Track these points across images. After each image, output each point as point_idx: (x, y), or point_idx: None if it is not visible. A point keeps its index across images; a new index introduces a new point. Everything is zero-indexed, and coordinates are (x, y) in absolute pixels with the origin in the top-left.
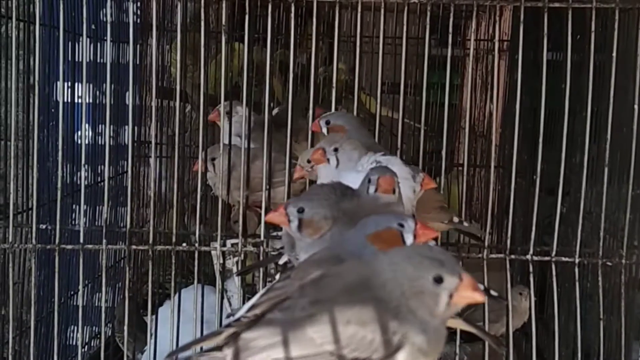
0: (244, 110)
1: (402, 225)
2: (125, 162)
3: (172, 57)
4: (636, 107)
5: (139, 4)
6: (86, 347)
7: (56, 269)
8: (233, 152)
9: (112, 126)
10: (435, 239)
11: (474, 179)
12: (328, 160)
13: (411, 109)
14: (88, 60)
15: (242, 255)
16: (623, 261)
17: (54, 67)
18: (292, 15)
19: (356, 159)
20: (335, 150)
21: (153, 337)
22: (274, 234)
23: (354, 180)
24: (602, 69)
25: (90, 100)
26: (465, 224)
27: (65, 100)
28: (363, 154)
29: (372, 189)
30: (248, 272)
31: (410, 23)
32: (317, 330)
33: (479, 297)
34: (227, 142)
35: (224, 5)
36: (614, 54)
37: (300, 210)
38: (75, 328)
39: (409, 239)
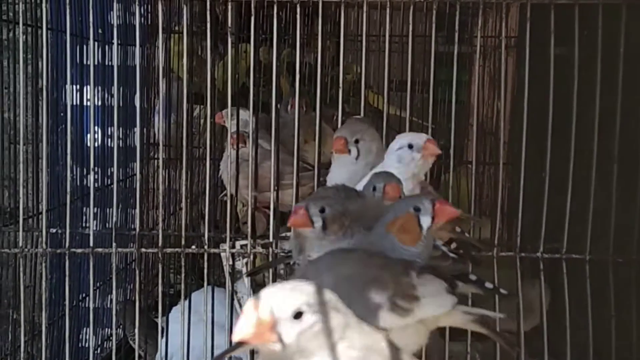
0: (250, 114)
1: (418, 209)
2: (135, 165)
3: (179, 61)
4: None
5: (145, 6)
6: (98, 349)
7: (67, 273)
8: (242, 150)
9: (120, 129)
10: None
11: (483, 176)
12: (349, 150)
13: (419, 107)
14: (96, 63)
15: (252, 257)
16: (634, 257)
17: (62, 71)
18: (298, 15)
19: (375, 152)
20: (356, 141)
21: (164, 338)
22: (283, 234)
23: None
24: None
25: (99, 103)
26: (467, 234)
27: (74, 103)
28: (380, 146)
29: (378, 196)
30: (257, 272)
31: (418, 21)
32: None
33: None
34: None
35: (229, 6)
36: (622, 50)
37: (322, 210)
38: (87, 331)
39: (425, 222)
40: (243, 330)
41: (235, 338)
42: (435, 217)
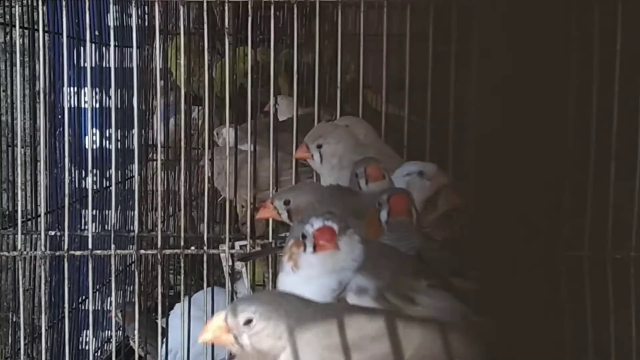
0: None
1: (380, 204)
2: (133, 166)
3: (176, 60)
4: None
5: (142, 8)
6: (99, 351)
7: (66, 275)
8: (241, 156)
9: (118, 130)
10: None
11: None
12: (312, 156)
13: (419, 106)
14: (93, 65)
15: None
16: (632, 253)
17: (59, 73)
18: (296, 16)
19: (340, 153)
20: (319, 146)
21: (165, 339)
22: (282, 234)
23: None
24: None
25: (97, 105)
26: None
27: (71, 105)
28: (350, 146)
29: (362, 182)
30: (249, 258)
31: (415, 19)
32: None
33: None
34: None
35: (226, 7)
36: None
37: (286, 202)
38: (87, 333)
39: (383, 216)
40: (204, 333)
41: (199, 339)
42: (391, 211)
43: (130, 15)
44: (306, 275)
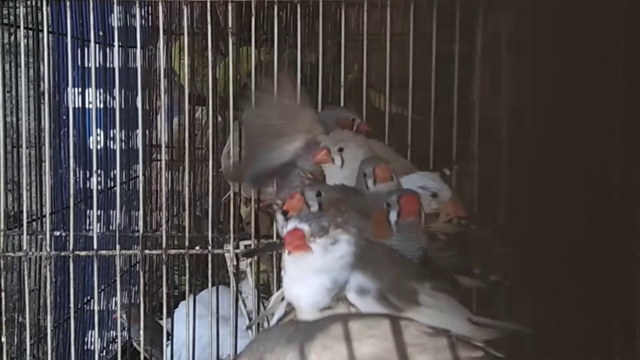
0: None
1: (389, 205)
2: (137, 166)
3: (180, 60)
4: None
5: (146, 8)
6: (104, 351)
7: (71, 276)
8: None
9: (123, 131)
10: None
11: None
12: (333, 160)
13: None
14: (97, 65)
15: (256, 257)
16: (637, 253)
17: (63, 74)
18: (299, 15)
19: (361, 157)
20: (340, 150)
21: (170, 338)
22: None
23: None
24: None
25: (101, 106)
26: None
27: (76, 106)
28: (368, 152)
29: (370, 182)
30: (252, 254)
31: (418, 19)
32: None
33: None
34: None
35: (229, 7)
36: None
37: (318, 194)
38: (92, 333)
39: (392, 217)
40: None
41: None
42: (401, 212)
43: (134, 16)
44: (291, 276)
